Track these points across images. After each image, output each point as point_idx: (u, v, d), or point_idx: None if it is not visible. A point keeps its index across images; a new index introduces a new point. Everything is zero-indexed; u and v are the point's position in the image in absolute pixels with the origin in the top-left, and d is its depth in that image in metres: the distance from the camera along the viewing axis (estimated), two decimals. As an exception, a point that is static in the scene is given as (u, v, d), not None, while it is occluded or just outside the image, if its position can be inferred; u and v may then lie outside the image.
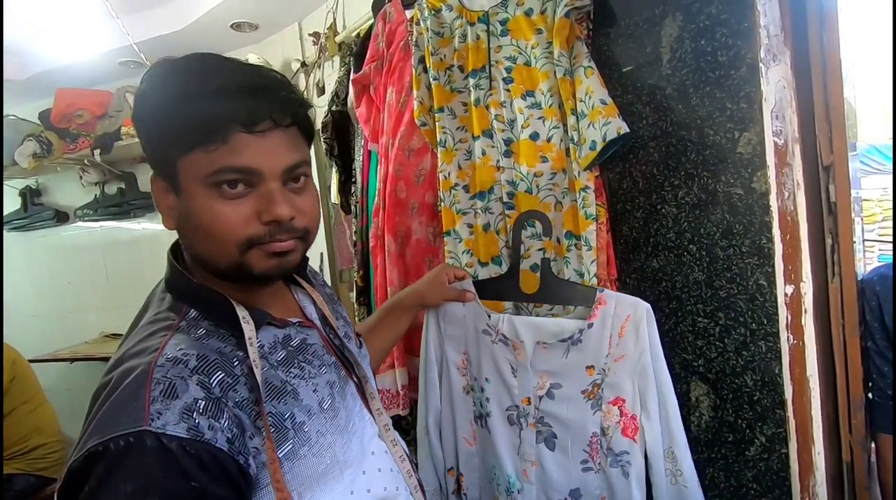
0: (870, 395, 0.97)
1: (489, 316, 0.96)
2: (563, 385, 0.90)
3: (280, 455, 0.54)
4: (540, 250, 1.15)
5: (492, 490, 0.95)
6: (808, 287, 0.87)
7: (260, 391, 0.54)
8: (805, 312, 0.88)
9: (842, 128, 0.89)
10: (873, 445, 0.99)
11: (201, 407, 0.49)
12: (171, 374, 0.50)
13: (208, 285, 0.59)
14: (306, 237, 0.60)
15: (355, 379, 0.70)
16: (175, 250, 0.64)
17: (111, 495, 0.45)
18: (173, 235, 0.62)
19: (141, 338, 0.56)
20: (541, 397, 0.91)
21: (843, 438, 0.91)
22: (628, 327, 0.86)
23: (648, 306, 0.87)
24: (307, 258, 0.71)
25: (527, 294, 0.94)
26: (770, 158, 0.89)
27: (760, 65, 0.88)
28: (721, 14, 0.93)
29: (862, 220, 0.98)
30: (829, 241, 0.91)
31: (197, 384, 0.50)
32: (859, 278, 0.96)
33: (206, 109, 0.52)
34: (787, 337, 0.89)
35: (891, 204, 3.63)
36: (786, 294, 0.89)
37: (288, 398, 0.57)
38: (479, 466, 0.96)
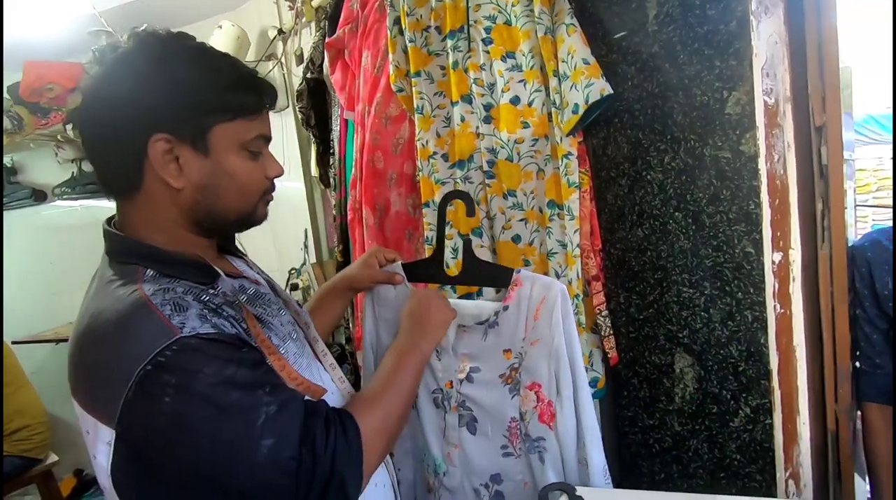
0: (857, 364, 0.95)
1: None
2: (483, 369, 0.87)
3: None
4: (522, 220, 1.11)
5: (422, 470, 0.94)
6: (796, 254, 0.84)
7: (242, 305, 0.62)
8: (793, 280, 0.85)
9: (836, 87, 0.84)
10: (858, 413, 0.97)
11: (208, 314, 0.55)
12: (168, 297, 0.55)
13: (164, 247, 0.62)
14: None
15: (301, 328, 0.74)
16: (109, 225, 0.66)
17: (198, 385, 0.51)
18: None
19: (104, 300, 0.58)
20: (461, 381, 0.88)
21: (829, 407, 0.88)
22: (543, 309, 0.81)
23: (563, 287, 0.81)
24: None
25: (450, 277, 0.91)
26: (760, 119, 0.84)
27: (751, 18, 0.83)
28: (711, -37, 0.87)
29: (854, 184, 0.94)
30: (819, 206, 0.87)
31: (194, 300, 0.56)
32: (849, 245, 0.93)
33: (255, 88, 0.63)
34: (774, 306, 0.86)
35: (887, 174, 3.59)
36: (773, 262, 0.86)
37: (264, 324, 0.64)
38: (412, 447, 0.95)
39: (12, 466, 1.87)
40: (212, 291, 0.60)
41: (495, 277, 0.87)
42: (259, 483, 0.53)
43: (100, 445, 0.55)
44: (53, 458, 2.00)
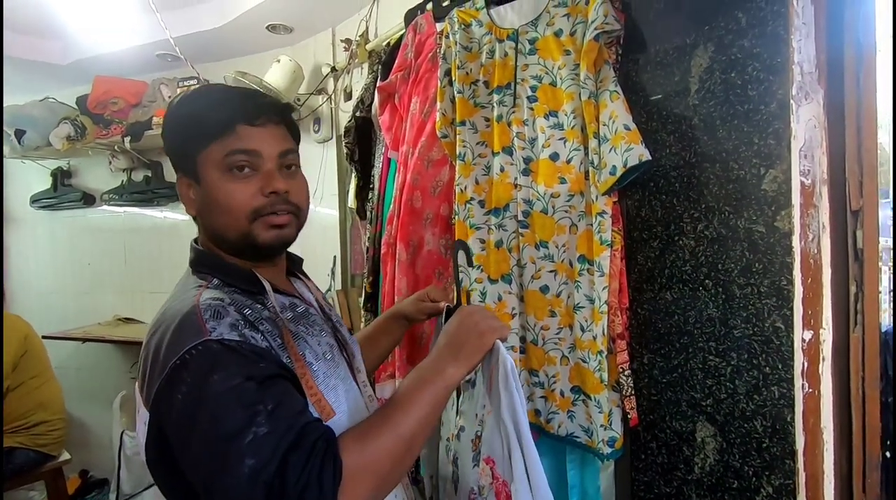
0: (887, 454, 0.92)
1: None
2: (466, 429, 0.81)
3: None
4: (551, 271, 1.13)
5: None
6: (827, 334, 0.84)
7: (283, 321, 0.67)
8: (823, 360, 0.84)
9: (874, 172, 0.86)
10: (888, 507, 0.94)
11: (242, 324, 0.61)
12: (214, 305, 0.62)
13: (230, 260, 0.72)
14: (299, 214, 0.73)
15: (346, 356, 0.78)
16: (195, 243, 0.77)
17: (206, 389, 0.55)
18: (191, 226, 0.77)
19: (176, 300, 0.67)
20: (454, 437, 0.85)
21: (856, 496, 0.86)
22: (494, 377, 0.73)
23: (507, 356, 0.71)
24: (301, 259, 0.86)
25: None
26: (796, 198, 0.86)
27: (791, 102, 0.86)
28: (754, 48, 0.91)
29: (890, 269, 0.93)
30: (853, 288, 0.87)
31: (235, 311, 0.63)
32: (884, 330, 0.92)
33: (218, 111, 0.68)
34: (802, 384, 0.85)
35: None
36: (803, 340, 0.86)
37: (301, 342, 0.69)
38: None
39: (26, 459, 1.91)
40: (258, 305, 0.67)
41: None
42: (240, 497, 0.53)
43: (140, 424, 0.63)
44: (66, 456, 2.03)
